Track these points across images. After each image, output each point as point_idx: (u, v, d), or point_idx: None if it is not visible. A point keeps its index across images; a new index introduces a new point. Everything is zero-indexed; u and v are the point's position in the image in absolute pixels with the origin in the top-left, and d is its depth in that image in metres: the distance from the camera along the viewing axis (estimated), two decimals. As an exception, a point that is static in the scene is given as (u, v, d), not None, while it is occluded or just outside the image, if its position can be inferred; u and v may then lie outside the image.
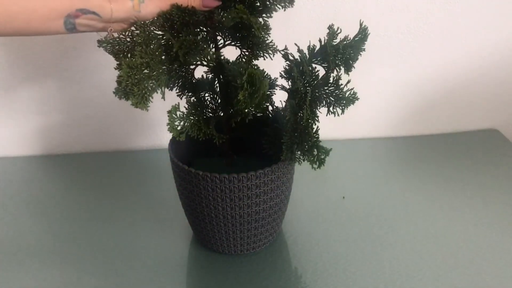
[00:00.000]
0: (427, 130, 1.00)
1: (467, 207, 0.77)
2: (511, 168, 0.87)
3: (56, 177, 0.89)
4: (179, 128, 0.59)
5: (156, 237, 0.72)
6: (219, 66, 0.60)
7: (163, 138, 0.97)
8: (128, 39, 0.54)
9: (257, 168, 0.57)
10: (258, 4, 0.57)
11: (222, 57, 0.61)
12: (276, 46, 0.60)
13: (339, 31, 0.55)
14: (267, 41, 0.59)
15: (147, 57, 0.53)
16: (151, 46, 0.55)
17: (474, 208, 0.76)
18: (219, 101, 0.64)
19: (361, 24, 0.56)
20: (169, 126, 0.58)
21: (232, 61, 0.62)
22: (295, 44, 0.56)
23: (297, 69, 0.57)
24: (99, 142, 0.97)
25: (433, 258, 0.66)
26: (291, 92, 0.59)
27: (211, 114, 0.64)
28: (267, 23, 0.58)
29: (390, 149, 0.96)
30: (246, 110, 0.54)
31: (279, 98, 0.64)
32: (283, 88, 0.61)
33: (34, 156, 0.96)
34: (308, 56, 0.58)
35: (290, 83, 0.60)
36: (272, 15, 0.58)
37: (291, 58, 0.58)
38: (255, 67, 0.56)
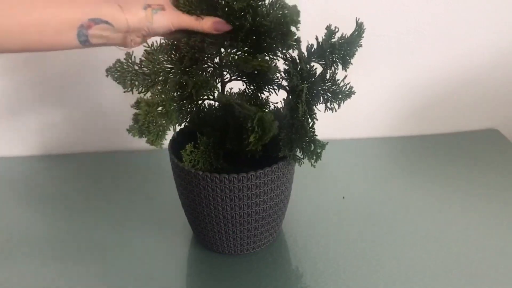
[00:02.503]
0: (427, 130, 1.00)
1: (467, 207, 0.77)
2: (511, 168, 0.87)
3: (56, 177, 0.89)
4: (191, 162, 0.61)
5: (156, 237, 0.72)
6: (227, 104, 0.61)
7: (163, 138, 0.97)
8: (136, 67, 0.55)
9: (257, 168, 0.57)
10: (265, 44, 0.57)
11: (228, 92, 0.63)
12: (281, 81, 0.61)
13: (336, 30, 0.56)
14: (274, 79, 0.61)
15: (162, 95, 0.54)
16: (160, 78, 0.56)
17: (474, 208, 0.76)
18: (228, 134, 0.64)
19: (357, 21, 0.56)
20: (185, 162, 0.59)
21: (240, 96, 0.65)
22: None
23: (294, 67, 0.57)
24: (99, 142, 0.97)
25: (433, 257, 0.66)
26: (289, 89, 0.59)
27: (220, 148, 0.64)
28: (276, 64, 0.59)
29: (390, 149, 0.96)
30: (257, 149, 0.56)
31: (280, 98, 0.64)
32: (283, 87, 0.61)
33: (34, 156, 0.96)
34: (306, 55, 0.58)
35: (289, 83, 0.60)
36: (278, 58, 0.58)
37: (288, 57, 0.58)
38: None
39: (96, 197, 0.82)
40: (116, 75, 0.55)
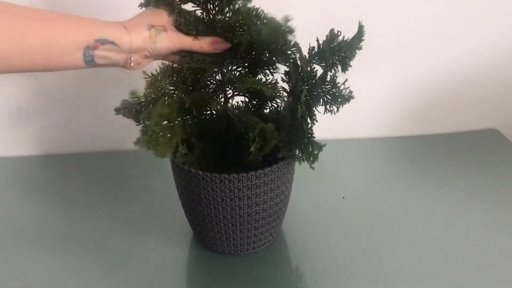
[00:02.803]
0: (427, 130, 1.00)
1: (467, 207, 0.77)
2: (511, 168, 0.87)
3: (56, 177, 0.89)
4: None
5: (156, 237, 0.72)
6: (228, 118, 0.62)
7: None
8: (142, 100, 0.56)
9: (257, 168, 0.57)
10: (264, 58, 0.58)
11: (230, 104, 0.64)
12: (284, 95, 0.61)
13: (339, 34, 0.56)
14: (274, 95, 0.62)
15: (169, 109, 0.55)
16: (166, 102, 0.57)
17: (474, 208, 0.76)
18: (230, 147, 0.65)
19: (359, 24, 0.56)
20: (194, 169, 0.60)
21: (241, 110, 0.65)
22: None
23: (296, 69, 0.57)
24: (99, 142, 0.97)
25: (432, 257, 0.66)
26: (290, 91, 0.59)
27: (218, 155, 0.65)
28: (275, 79, 0.60)
29: (390, 149, 0.96)
30: (257, 159, 0.57)
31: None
32: (283, 90, 0.61)
33: (34, 156, 0.96)
34: (307, 57, 0.58)
35: (289, 85, 0.60)
36: (277, 71, 0.59)
37: (290, 59, 0.59)
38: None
39: (96, 197, 0.82)
40: (125, 111, 0.57)
